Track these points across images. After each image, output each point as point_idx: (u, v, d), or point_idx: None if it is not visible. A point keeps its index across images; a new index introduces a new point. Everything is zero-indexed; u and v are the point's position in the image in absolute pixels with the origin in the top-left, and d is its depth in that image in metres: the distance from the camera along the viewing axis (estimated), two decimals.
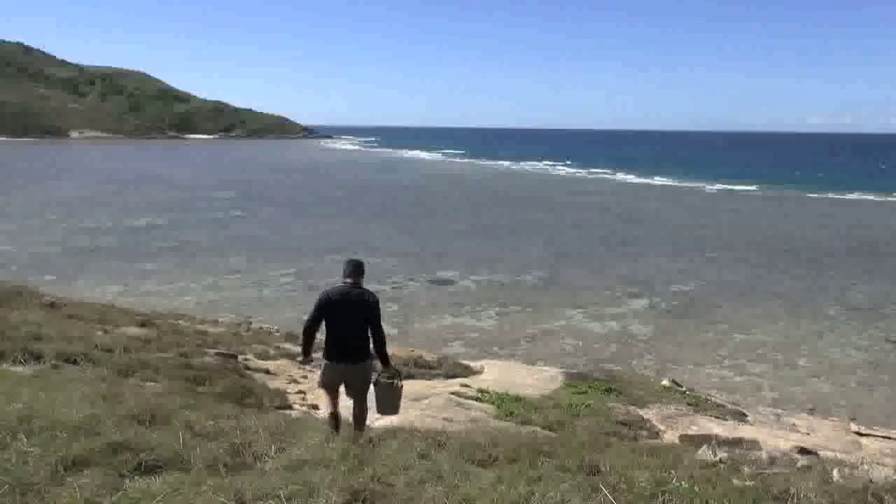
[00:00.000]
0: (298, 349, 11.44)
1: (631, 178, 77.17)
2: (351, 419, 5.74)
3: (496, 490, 4.11)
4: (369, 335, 5.47)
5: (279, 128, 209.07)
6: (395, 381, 5.67)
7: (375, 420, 6.49)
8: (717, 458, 5.33)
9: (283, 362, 10.87)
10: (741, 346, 17.48)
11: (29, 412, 4.88)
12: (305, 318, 5.60)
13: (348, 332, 5.39)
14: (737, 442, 7.21)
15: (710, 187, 66.08)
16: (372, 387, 5.59)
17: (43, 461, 4.02)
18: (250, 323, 15.92)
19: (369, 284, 6.05)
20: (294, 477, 4.16)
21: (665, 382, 12.42)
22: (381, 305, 5.62)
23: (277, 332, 14.45)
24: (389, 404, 5.69)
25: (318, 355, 5.90)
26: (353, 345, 5.44)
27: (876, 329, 18.93)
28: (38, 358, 7.46)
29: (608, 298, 22.06)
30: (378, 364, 5.70)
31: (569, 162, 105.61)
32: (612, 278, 24.92)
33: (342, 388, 5.67)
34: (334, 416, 5.42)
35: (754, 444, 7.08)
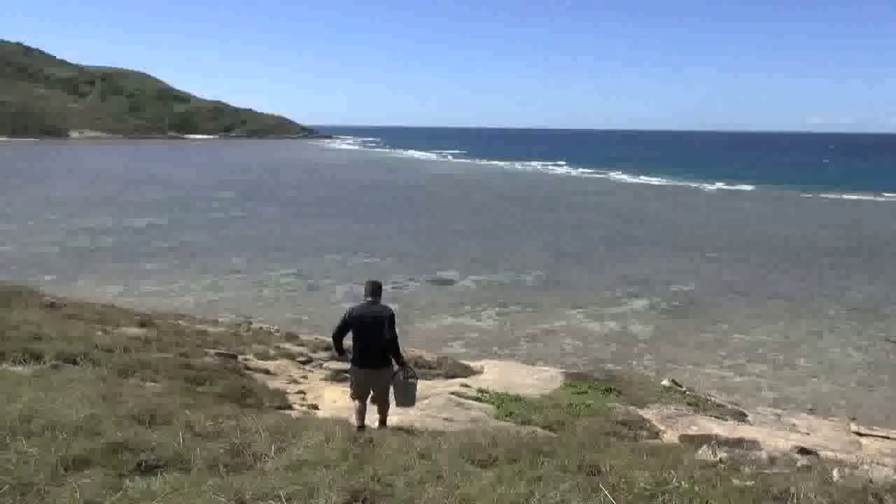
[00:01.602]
0: (299, 349, 11.64)
1: (629, 178, 77.21)
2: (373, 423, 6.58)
3: (496, 490, 4.11)
4: (386, 346, 6.41)
5: (279, 128, 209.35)
6: (411, 379, 6.59)
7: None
8: (717, 458, 5.33)
9: (283, 362, 10.87)
10: (741, 346, 17.47)
11: (29, 412, 4.88)
12: (334, 329, 6.55)
13: (369, 342, 6.32)
14: (737, 442, 7.21)
15: (709, 187, 66.17)
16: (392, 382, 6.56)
17: (43, 461, 4.03)
18: (250, 323, 15.91)
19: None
20: (294, 477, 4.17)
21: (665, 382, 12.41)
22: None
23: (277, 332, 14.44)
24: (407, 398, 6.61)
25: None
26: (374, 353, 6.36)
27: (876, 329, 18.94)
28: (38, 358, 7.47)
29: (608, 298, 22.05)
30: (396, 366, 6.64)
31: (563, 162, 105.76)
32: (612, 278, 24.92)
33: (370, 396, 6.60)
34: (362, 428, 6.18)
35: (754, 444, 7.08)
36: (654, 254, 29.83)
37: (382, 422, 6.60)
